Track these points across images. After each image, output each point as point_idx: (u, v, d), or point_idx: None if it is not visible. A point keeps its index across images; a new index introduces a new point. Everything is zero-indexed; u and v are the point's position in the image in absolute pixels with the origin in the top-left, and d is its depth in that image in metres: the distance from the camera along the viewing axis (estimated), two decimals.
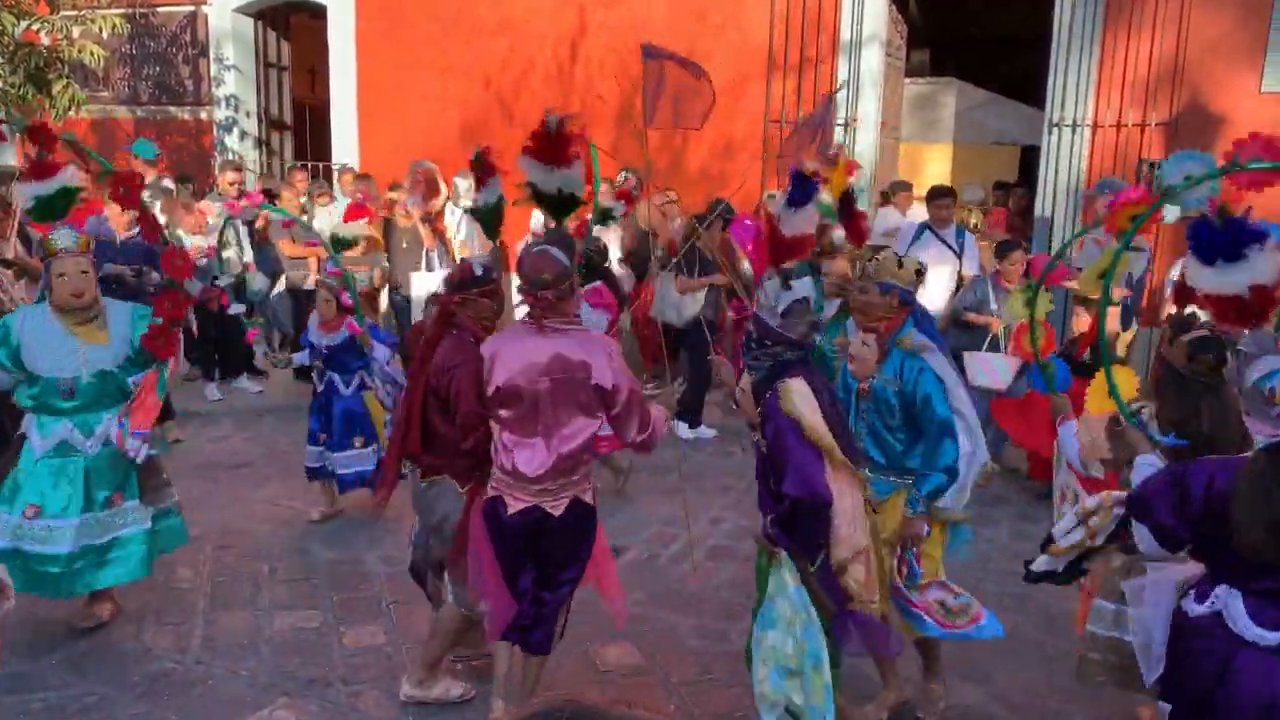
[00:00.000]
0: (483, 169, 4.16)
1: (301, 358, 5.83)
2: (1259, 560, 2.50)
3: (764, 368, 3.28)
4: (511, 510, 3.43)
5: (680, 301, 7.25)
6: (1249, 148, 2.83)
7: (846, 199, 4.37)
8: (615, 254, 8.23)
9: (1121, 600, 3.51)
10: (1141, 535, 2.71)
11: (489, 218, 4.29)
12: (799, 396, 3.18)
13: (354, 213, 6.42)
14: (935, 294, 6.86)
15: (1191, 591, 2.70)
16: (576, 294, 3.51)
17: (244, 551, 5.23)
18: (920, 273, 3.84)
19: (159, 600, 4.66)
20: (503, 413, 3.43)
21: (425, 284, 7.75)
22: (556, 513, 3.43)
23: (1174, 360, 3.31)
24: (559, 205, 3.93)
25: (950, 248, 7.01)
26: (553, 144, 3.73)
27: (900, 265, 3.76)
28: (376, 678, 4.03)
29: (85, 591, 4.23)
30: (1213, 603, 2.62)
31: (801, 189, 3.60)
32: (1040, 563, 3.19)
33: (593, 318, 5.60)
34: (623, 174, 8.49)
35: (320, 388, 5.71)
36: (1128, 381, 3.17)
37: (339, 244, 5.84)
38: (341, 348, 5.58)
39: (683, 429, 7.34)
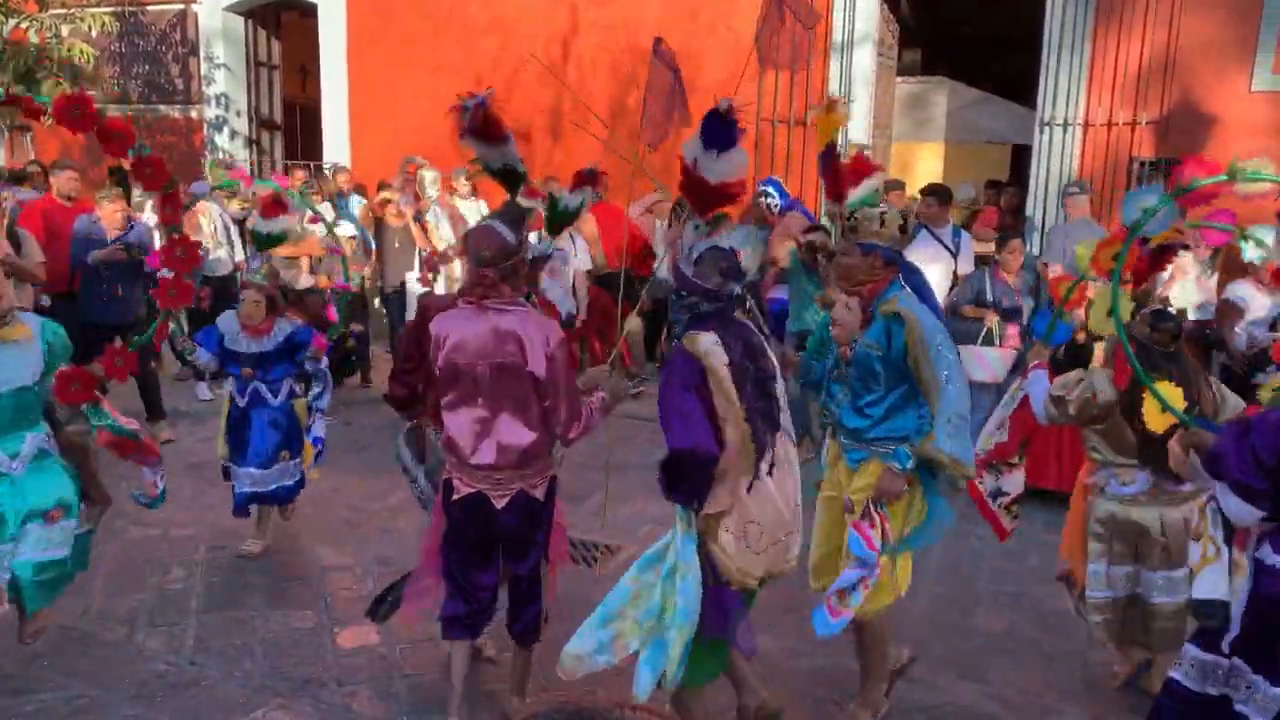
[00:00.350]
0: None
1: (202, 356, 5.09)
2: None
3: (683, 321, 3.17)
4: (456, 495, 3.41)
5: None
6: (1188, 171, 3.34)
7: (829, 150, 4.21)
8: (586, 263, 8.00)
9: (1113, 562, 3.75)
10: (1228, 502, 2.75)
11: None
12: (704, 344, 3.05)
13: (273, 210, 5.87)
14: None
15: (1267, 541, 2.74)
16: (522, 272, 3.41)
17: (237, 552, 5.20)
18: (904, 228, 3.69)
19: (152, 601, 4.63)
20: (446, 395, 3.38)
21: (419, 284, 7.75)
22: (499, 505, 3.38)
23: (1136, 332, 3.60)
24: (506, 178, 3.93)
25: (946, 247, 7.01)
26: (478, 125, 3.68)
27: (882, 223, 3.60)
28: (371, 678, 4.01)
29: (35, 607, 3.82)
30: None
31: (719, 130, 3.32)
32: (1201, 589, 2.99)
33: (555, 292, 5.33)
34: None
35: (243, 401, 5.10)
36: (1174, 394, 3.39)
37: (264, 242, 5.43)
38: (272, 354, 5.06)
39: None
